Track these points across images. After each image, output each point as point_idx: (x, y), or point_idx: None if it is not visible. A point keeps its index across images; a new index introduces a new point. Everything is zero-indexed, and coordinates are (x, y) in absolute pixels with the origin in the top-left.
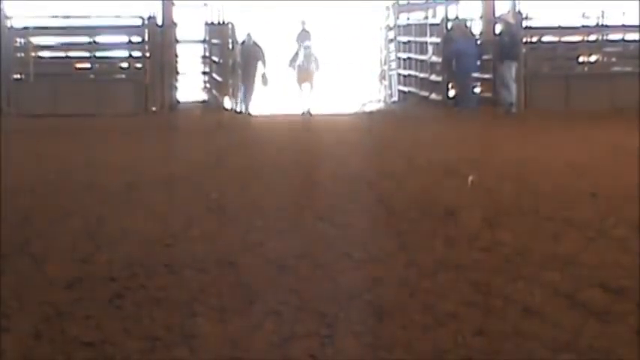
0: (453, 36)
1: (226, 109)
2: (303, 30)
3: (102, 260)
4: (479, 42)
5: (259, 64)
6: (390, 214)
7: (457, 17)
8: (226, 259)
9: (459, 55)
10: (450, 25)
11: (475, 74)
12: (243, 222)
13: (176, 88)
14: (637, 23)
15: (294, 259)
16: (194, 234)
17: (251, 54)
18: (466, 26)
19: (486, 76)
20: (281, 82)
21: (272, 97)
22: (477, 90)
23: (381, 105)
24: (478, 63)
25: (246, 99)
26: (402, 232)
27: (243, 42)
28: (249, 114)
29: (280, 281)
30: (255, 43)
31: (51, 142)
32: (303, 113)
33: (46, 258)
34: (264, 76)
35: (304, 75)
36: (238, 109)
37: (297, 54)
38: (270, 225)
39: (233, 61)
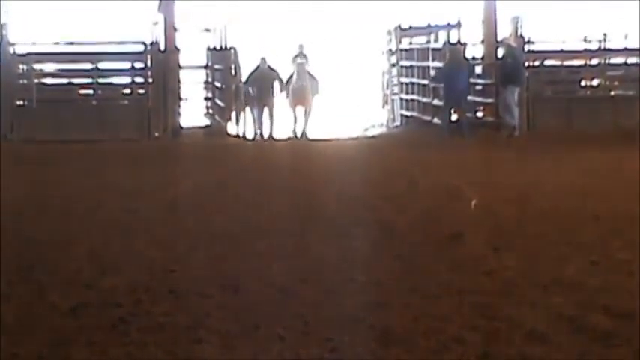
0: (447, 62)
1: (230, 135)
2: (300, 53)
3: (106, 285)
4: (470, 66)
5: (276, 87)
6: (394, 237)
7: (448, 42)
8: (231, 284)
9: (447, 80)
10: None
11: (465, 98)
12: (247, 246)
13: (179, 113)
14: (638, 47)
15: (299, 284)
16: (198, 259)
17: (266, 79)
18: (457, 51)
19: (489, 100)
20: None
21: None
22: (479, 114)
23: (383, 129)
24: (470, 85)
25: (270, 124)
26: (406, 256)
27: (257, 67)
28: (272, 139)
29: (285, 306)
30: (270, 67)
31: (54, 167)
32: (295, 137)
33: (50, 283)
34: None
35: (298, 97)
36: (250, 135)
37: (291, 76)
38: (273, 249)
39: (236, 86)
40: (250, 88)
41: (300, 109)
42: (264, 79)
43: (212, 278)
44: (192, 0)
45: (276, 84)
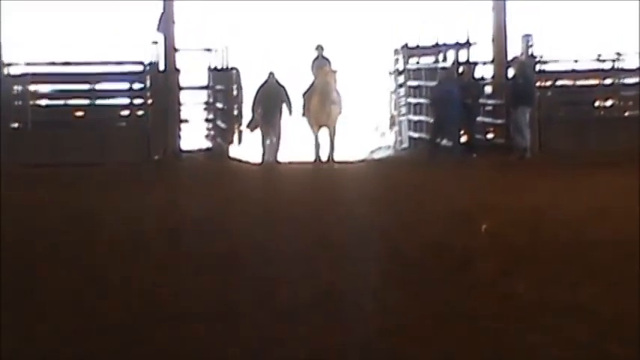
0: (439, 82)
1: (232, 158)
2: (320, 57)
3: (107, 310)
4: (465, 87)
5: (284, 106)
6: (403, 262)
7: (457, 61)
8: (234, 310)
9: (440, 100)
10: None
11: (456, 120)
12: (253, 271)
13: (179, 136)
14: None
15: (305, 309)
16: (201, 283)
17: (274, 95)
18: (449, 72)
19: (499, 121)
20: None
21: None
22: (489, 135)
23: (391, 152)
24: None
25: (274, 146)
26: (416, 281)
27: (265, 82)
28: (277, 162)
29: (290, 332)
30: (278, 83)
31: (51, 191)
32: (319, 161)
33: (51, 307)
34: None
35: (320, 116)
36: (255, 158)
37: (312, 87)
38: (279, 274)
39: (238, 107)
40: (257, 109)
41: (323, 131)
42: (271, 97)
43: (215, 303)
44: (192, 18)
45: (285, 104)
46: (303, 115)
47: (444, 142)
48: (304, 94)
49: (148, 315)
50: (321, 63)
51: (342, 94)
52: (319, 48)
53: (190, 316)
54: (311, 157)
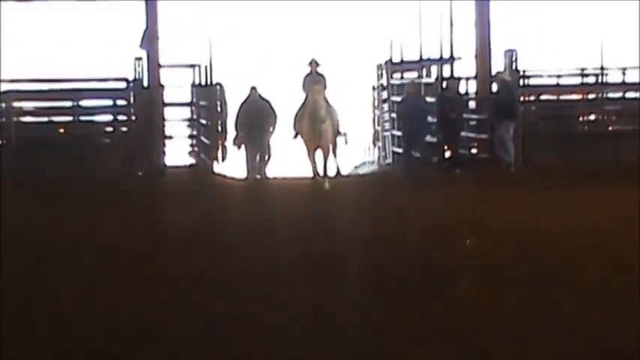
0: (406, 96)
1: (216, 174)
2: (314, 73)
3: (90, 330)
4: (432, 102)
5: (268, 122)
6: (389, 279)
7: (441, 76)
8: (219, 333)
9: (406, 116)
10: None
11: (423, 135)
12: (238, 291)
13: (163, 152)
14: (637, 80)
15: (289, 329)
16: (187, 303)
17: (257, 111)
18: (420, 87)
19: (483, 135)
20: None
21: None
22: (473, 150)
23: (375, 167)
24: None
25: (261, 162)
26: (401, 298)
27: (248, 97)
28: (266, 178)
29: (277, 351)
30: (261, 98)
31: (33, 208)
32: (322, 179)
33: (33, 328)
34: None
35: (314, 137)
36: (239, 174)
37: (303, 106)
38: (263, 293)
39: (222, 122)
40: (240, 124)
41: (319, 153)
42: (254, 112)
43: (198, 324)
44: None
45: (270, 118)
46: (295, 136)
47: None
48: (296, 114)
49: (132, 335)
50: (313, 79)
51: (337, 111)
52: (313, 63)
53: (174, 336)
54: (302, 173)
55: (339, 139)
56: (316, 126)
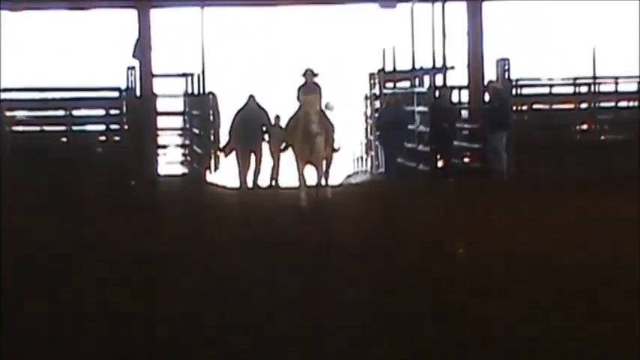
0: (385, 107)
1: (209, 183)
2: (310, 83)
3: (76, 341)
4: (411, 114)
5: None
6: (381, 288)
7: (434, 86)
8: (209, 338)
9: (385, 127)
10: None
11: (401, 145)
12: (227, 301)
13: (156, 161)
14: (629, 89)
15: (281, 340)
16: (176, 313)
17: (253, 119)
18: (398, 99)
19: (475, 145)
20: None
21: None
22: (465, 160)
23: (367, 176)
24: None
25: (255, 171)
26: (394, 307)
27: (245, 105)
28: (258, 187)
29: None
30: (259, 106)
31: (24, 218)
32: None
33: (20, 341)
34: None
35: (305, 152)
36: (232, 183)
37: (295, 117)
38: (255, 303)
39: (215, 132)
40: (234, 133)
41: (310, 169)
42: (251, 120)
43: (189, 332)
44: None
45: (266, 127)
46: (284, 149)
47: (421, 166)
48: (286, 126)
49: (120, 345)
50: (307, 89)
51: (332, 124)
52: (308, 73)
53: (166, 347)
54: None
55: (334, 155)
56: (309, 139)
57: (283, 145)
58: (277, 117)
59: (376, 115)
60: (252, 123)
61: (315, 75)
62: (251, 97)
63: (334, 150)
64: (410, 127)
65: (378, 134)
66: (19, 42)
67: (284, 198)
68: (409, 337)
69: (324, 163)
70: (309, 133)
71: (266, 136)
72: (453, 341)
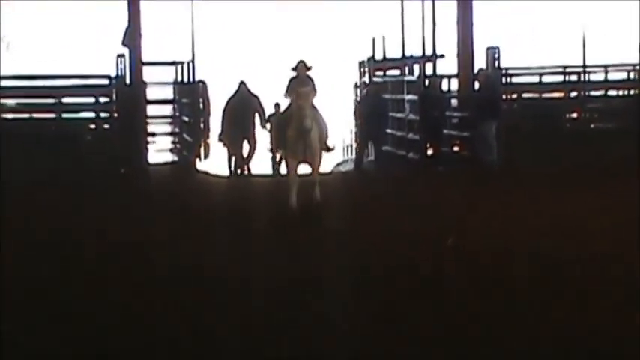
0: (365, 96)
1: (199, 171)
2: (302, 76)
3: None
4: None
5: (256, 117)
6: (372, 283)
7: (423, 74)
8: (203, 333)
9: (367, 116)
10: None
11: (382, 134)
12: (220, 297)
13: (146, 149)
14: (619, 78)
15: (275, 335)
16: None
17: (245, 105)
18: (379, 87)
19: (464, 134)
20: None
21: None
22: (455, 149)
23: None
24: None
25: (248, 159)
26: (386, 302)
27: (236, 92)
28: (249, 174)
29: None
30: (250, 93)
31: (13, 207)
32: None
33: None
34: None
35: (299, 151)
36: (222, 171)
37: (285, 113)
38: (247, 301)
39: (205, 120)
40: (226, 120)
41: (304, 168)
42: (242, 107)
43: (181, 328)
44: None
45: (258, 115)
46: (275, 149)
47: (411, 155)
48: (277, 123)
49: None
50: (299, 82)
51: (325, 120)
52: (301, 66)
53: (154, 343)
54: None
55: (325, 153)
56: (302, 136)
57: (275, 146)
58: (277, 104)
59: (357, 103)
60: (244, 109)
61: (309, 68)
62: (242, 83)
63: (328, 149)
64: (392, 115)
65: (358, 123)
66: (8, 30)
67: (275, 185)
68: (404, 332)
69: (316, 163)
70: (303, 129)
71: (267, 126)
72: (448, 337)
